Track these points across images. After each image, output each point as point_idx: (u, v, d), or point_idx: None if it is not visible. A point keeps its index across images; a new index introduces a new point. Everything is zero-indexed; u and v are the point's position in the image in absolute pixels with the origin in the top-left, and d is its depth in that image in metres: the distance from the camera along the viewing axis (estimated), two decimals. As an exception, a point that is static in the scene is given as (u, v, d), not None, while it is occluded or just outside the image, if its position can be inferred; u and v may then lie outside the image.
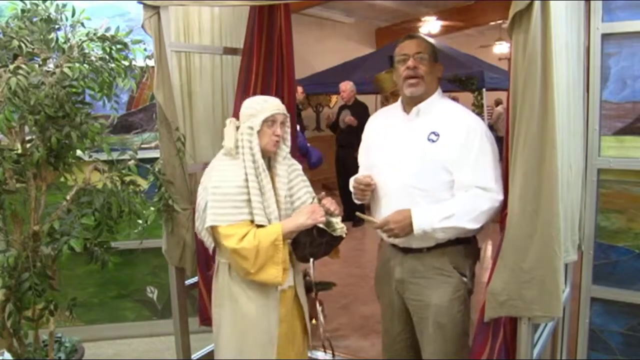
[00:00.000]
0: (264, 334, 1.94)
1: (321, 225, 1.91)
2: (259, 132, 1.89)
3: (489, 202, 1.81)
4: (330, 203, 1.94)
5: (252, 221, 1.87)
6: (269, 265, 1.84)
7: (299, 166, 2.10)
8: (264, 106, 1.92)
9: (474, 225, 1.83)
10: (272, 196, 1.91)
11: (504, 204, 1.73)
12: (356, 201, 2.09)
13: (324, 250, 1.95)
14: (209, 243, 1.98)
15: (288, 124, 2.00)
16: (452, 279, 1.92)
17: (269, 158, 1.97)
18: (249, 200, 1.86)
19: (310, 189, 2.08)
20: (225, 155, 1.94)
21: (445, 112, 1.93)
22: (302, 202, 2.01)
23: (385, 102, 4.07)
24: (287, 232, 1.87)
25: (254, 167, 1.88)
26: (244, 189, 1.86)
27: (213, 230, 1.89)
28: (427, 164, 1.88)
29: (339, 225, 1.96)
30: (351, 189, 2.08)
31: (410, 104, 1.97)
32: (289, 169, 2.01)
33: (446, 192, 1.87)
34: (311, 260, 1.96)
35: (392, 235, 1.88)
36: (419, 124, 1.94)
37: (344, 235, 1.97)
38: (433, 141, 1.88)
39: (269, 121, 1.90)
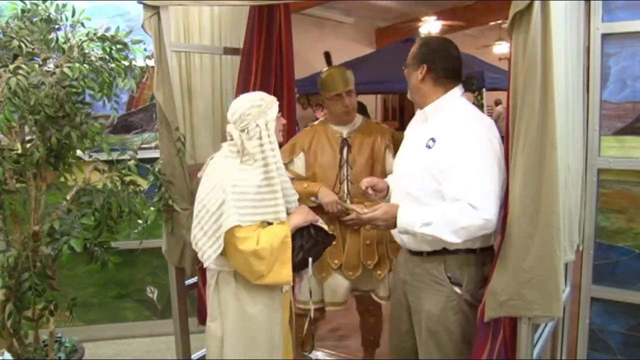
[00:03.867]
0: (271, 338, 1.92)
1: (317, 224, 1.99)
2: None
3: (471, 219, 1.67)
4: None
5: (262, 222, 1.85)
6: (277, 265, 1.83)
7: None
8: (268, 101, 1.90)
9: (455, 239, 1.70)
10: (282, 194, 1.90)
11: (504, 208, 1.69)
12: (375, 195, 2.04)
13: (315, 251, 1.98)
14: (214, 248, 1.80)
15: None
16: (444, 288, 1.84)
17: None
18: (264, 200, 1.84)
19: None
20: (232, 154, 1.87)
21: (449, 117, 1.84)
22: (294, 199, 2.02)
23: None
24: (293, 228, 1.89)
25: (277, 167, 1.84)
26: (262, 189, 1.83)
27: (229, 233, 1.77)
28: (420, 170, 1.82)
29: (327, 227, 2.07)
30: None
31: (419, 108, 1.97)
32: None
33: (435, 200, 1.78)
34: (310, 263, 1.95)
35: (375, 228, 1.88)
36: (426, 128, 1.90)
37: (334, 234, 2.09)
38: (429, 147, 1.82)
39: (277, 115, 1.91)
